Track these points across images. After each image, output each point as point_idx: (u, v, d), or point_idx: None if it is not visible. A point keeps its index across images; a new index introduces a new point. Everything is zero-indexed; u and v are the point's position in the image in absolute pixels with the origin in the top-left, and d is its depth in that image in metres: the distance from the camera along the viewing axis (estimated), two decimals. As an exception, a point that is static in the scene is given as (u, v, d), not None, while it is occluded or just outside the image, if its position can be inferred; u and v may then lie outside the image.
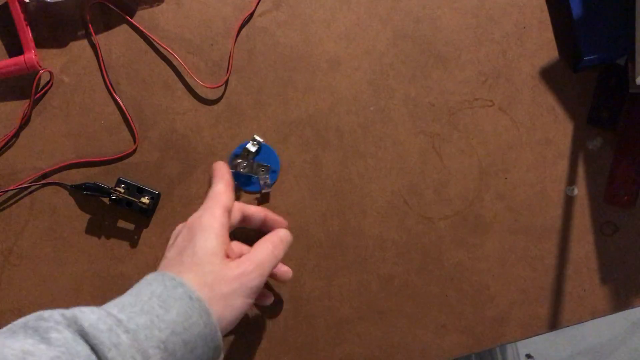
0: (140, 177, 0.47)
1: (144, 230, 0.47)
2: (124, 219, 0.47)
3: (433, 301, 0.50)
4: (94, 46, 0.46)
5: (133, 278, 0.47)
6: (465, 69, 0.49)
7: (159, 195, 0.46)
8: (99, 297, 0.47)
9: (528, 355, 1.33)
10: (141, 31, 0.47)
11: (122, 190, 0.46)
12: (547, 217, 0.50)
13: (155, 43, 0.47)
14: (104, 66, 0.46)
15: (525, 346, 1.36)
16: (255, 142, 0.46)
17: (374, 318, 0.49)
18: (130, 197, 0.45)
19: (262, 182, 0.47)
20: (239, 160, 0.46)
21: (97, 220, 0.47)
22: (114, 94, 0.46)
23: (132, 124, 0.47)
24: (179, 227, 0.41)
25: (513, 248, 0.50)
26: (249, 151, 0.46)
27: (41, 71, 0.45)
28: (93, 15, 0.46)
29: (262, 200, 0.48)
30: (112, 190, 0.45)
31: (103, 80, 0.46)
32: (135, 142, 0.47)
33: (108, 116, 0.47)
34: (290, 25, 0.48)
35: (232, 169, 0.46)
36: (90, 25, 0.46)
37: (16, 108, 0.46)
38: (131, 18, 0.47)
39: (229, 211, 0.40)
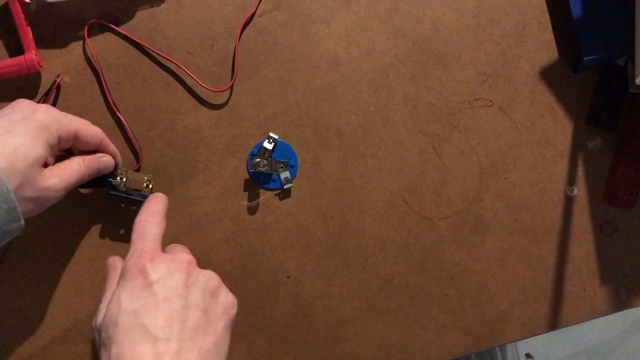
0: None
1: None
2: (123, 217, 0.47)
3: (433, 301, 0.50)
4: (95, 56, 0.46)
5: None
6: (465, 69, 0.49)
7: (151, 178, 0.46)
8: (100, 297, 0.47)
9: (528, 355, 1.33)
10: (141, 33, 0.47)
11: (120, 181, 0.45)
12: (547, 217, 0.50)
13: (154, 53, 0.47)
14: (106, 84, 0.46)
15: (525, 346, 1.36)
16: (271, 140, 0.46)
17: (374, 318, 0.49)
18: (129, 189, 0.45)
19: (282, 178, 0.47)
20: (258, 160, 0.46)
21: (95, 219, 0.47)
22: (116, 111, 0.46)
23: (137, 148, 0.47)
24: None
25: (513, 248, 0.50)
26: (265, 149, 0.46)
27: (59, 77, 0.45)
28: (92, 24, 0.46)
29: (284, 195, 0.48)
30: (110, 179, 0.44)
31: (102, 96, 0.46)
32: (138, 161, 0.47)
33: (109, 116, 0.47)
34: (290, 25, 0.48)
35: (251, 169, 0.46)
36: (87, 41, 0.46)
37: (16, 108, 0.46)
38: (130, 26, 0.47)
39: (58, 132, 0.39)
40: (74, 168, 0.40)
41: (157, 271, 0.35)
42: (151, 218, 0.40)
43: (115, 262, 0.41)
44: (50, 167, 0.39)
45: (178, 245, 0.42)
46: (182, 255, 0.37)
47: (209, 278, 0.37)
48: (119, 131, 0.47)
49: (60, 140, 0.39)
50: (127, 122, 0.46)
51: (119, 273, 0.38)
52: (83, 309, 0.47)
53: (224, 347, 0.37)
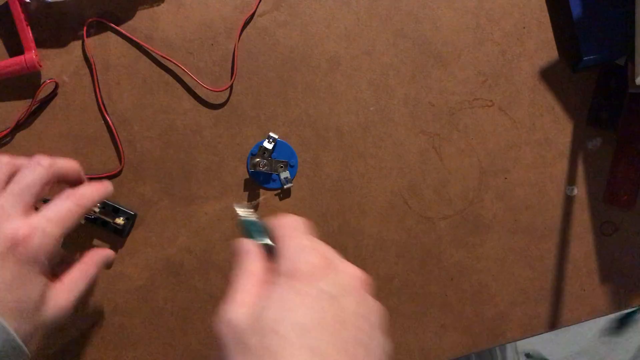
0: (139, 178, 0.47)
1: (136, 230, 0.47)
2: (100, 237, 0.47)
3: (433, 301, 0.50)
4: (91, 56, 0.46)
5: (133, 277, 0.47)
6: (465, 69, 0.49)
7: (135, 215, 0.46)
8: (99, 296, 0.47)
9: (528, 355, 1.33)
10: (141, 32, 0.47)
11: (97, 210, 0.45)
12: (547, 217, 0.50)
13: (154, 53, 0.47)
14: (98, 86, 0.46)
15: (525, 346, 1.36)
16: (271, 140, 0.46)
17: (374, 318, 0.49)
18: (104, 217, 0.45)
19: (282, 178, 0.47)
20: (258, 160, 0.46)
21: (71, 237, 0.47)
22: (105, 114, 0.46)
23: (119, 145, 0.47)
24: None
25: (513, 248, 0.50)
26: (265, 149, 0.46)
27: (47, 81, 0.45)
28: (92, 22, 0.46)
29: (284, 195, 0.48)
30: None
31: (95, 96, 0.47)
32: (120, 162, 0.47)
33: (105, 117, 0.47)
34: (290, 26, 0.48)
35: (251, 169, 0.46)
36: (86, 41, 0.46)
37: (17, 108, 0.46)
38: (130, 25, 0.47)
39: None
40: (79, 281, 0.40)
41: (334, 285, 0.29)
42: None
43: (247, 246, 0.32)
44: (53, 294, 0.37)
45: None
46: (353, 271, 0.31)
47: (371, 307, 0.31)
48: (109, 133, 0.47)
49: (53, 257, 0.36)
50: (114, 126, 0.46)
51: (257, 261, 0.31)
52: (82, 308, 0.47)
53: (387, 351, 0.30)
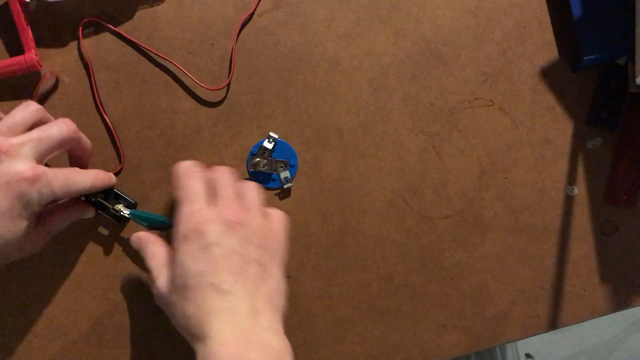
0: (138, 177, 0.47)
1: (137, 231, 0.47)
2: (102, 224, 0.47)
3: (433, 301, 0.50)
4: (87, 57, 0.46)
5: (134, 277, 0.47)
6: (465, 69, 0.49)
7: (135, 204, 0.46)
8: (99, 296, 0.47)
9: (528, 355, 1.33)
10: (141, 32, 0.47)
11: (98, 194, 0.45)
12: (547, 217, 0.50)
13: (152, 53, 0.47)
14: (95, 85, 0.46)
15: (524, 346, 1.36)
16: (271, 139, 0.46)
17: (374, 317, 0.49)
18: (104, 202, 0.44)
19: (282, 178, 0.47)
20: (257, 159, 0.46)
21: (93, 218, 0.47)
22: (104, 114, 0.46)
23: (119, 145, 0.46)
24: None
25: (513, 248, 0.50)
26: (265, 149, 0.46)
27: (47, 75, 0.45)
28: (87, 23, 0.46)
29: (284, 195, 0.48)
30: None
31: (93, 98, 0.47)
32: (120, 162, 0.47)
33: (108, 116, 0.47)
34: (290, 25, 0.48)
35: (251, 168, 0.46)
36: (82, 41, 0.46)
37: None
38: (130, 25, 0.47)
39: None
40: (59, 225, 0.42)
41: (212, 234, 0.38)
42: (191, 171, 0.41)
43: (144, 236, 0.43)
44: (33, 233, 0.39)
45: (222, 184, 0.41)
46: (231, 215, 0.39)
47: (259, 234, 0.40)
48: (109, 133, 0.47)
49: (45, 201, 0.37)
50: (113, 126, 0.46)
51: (157, 244, 0.42)
52: (82, 308, 0.47)
53: (283, 286, 0.40)
